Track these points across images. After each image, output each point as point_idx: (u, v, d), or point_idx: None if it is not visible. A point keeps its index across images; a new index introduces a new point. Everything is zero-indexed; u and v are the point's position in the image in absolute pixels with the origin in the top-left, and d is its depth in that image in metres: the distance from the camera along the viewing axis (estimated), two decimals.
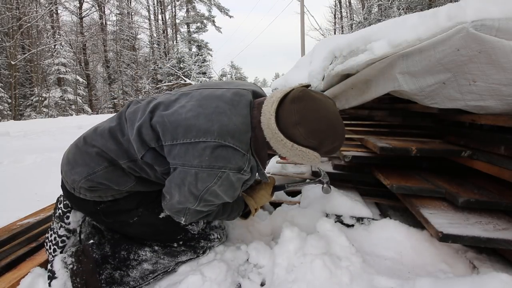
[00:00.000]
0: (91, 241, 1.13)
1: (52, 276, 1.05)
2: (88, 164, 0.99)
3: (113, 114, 1.13)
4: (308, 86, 1.00)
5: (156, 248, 1.11)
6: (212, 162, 0.86)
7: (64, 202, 1.19)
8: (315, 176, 1.88)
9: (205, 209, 0.99)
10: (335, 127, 0.90)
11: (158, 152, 0.94)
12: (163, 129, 0.90)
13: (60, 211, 1.18)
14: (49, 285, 1.03)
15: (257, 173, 1.03)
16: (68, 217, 1.17)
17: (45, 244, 1.17)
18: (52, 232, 1.17)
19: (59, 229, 1.16)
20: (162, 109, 0.95)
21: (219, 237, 1.23)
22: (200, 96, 0.96)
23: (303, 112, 0.87)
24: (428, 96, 1.27)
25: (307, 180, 1.55)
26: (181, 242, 1.14)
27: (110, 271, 1.06)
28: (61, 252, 1.13)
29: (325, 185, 1.41)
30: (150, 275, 1.09)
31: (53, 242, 1.14)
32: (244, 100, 0.96)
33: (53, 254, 1.13)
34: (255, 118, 0.95)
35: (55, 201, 1.23)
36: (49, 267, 1.08)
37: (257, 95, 1.06)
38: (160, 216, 1.11)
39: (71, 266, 1.05)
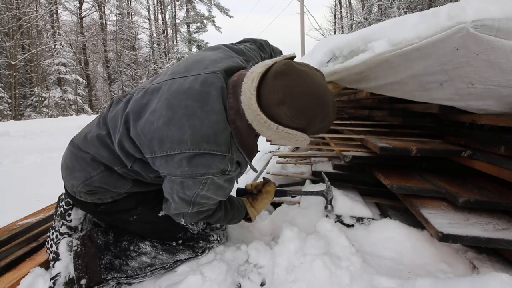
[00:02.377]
0: (97, 228, 1.16)
1: (56, 258, 1.09)
2: (85, 169, 1.00)
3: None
4: (293, 57, 0.89)
5: (156, 244, 1.13)
6: (194, 171, 0.84)
7: (66, 200, 1.21)
8: (315, 176, 1.88)
9: (203, 208, 1.00)
10: (324, 104, 0.80)
11: (145, 161, 0.94)
12: (140, 143, 0.88)
13: (61, 209, 1.20)
14: (53, 266, 1.08)
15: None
16: (69, 215, 1.19)
17: (46, 243, 1.18)
18: (53, 230, 1.18)
19: (61, 227, 1.18)
20: (134, 118, 0.89)
21: (218, 238, 1.23)
22: (168, 92, 0.88)
23: (287, 89, 0.76)
24: (429, 90, 1.25)
25: (310, 187, 1.55)
26: (180, 242, 1.15)
27: (110, 258, 1.09)
28: None
29: (328, 207, 1.39)
30: (148, 267, 1.11)
31: (55, 240, 1.15)
32: (214, 91, 0.85)
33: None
34: (232, 108, 0.85)
35: (57, 200, 1.24)
36: (54, 249, 1.11)
37: (231, 72, 0.92)
38: (160, 214, 1.13)
39: (75, 248, 1.09)
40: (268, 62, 0.83)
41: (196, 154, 0.82)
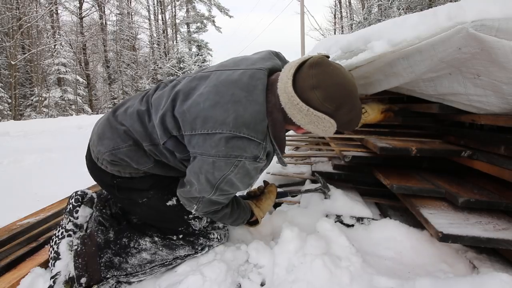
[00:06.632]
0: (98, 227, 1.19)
1: (56, 257, 1.10)
2: (115, 139, 1.05)
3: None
4: (327, 57, 0.99)
5: (156, 239, 1.15)
6: (229, 152, 0.89)
7: (76, 197, 1.23)
8: (314, 176, 1.88)
9: (220, 198, 1.02)
10: (352, 96, 0.89)
11: (179, 140, 0.99)
12: (183, 119, 0.94)
13: (70, 206, 1.22)
14: (53, 265, 1.09)
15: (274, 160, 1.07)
16: (77, 211, 1.21)
17: (51, 241, 1.18)
18: (60, 227, 1.20)
19: (67, 224, 1.19)
20: (182, 98, 0.98)
21: (218, 237, 1.23)
22: (217, 80, 0.97)
23: (321, 76, 0.86)
24: (432, 80, 1.24)
25: (309, 187, 1.59)
26: (180, 236, 1.17)
27: (110, 256, 1.10)
28: None
29: (327, 197, 1.48)
30: (148, 264, 1.12)
31: (60, 236, 1.16)
32: (260, 85, 0.94)
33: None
34: (270, 102, 0.94)
35: (68, 197, 1.27)
36: (55, 248, 1.12)
37: (274, 71, 1.03)
38: (168, 203, 1.15)
39: (75, 247, 1.11)
40: (305, 56, 0.94)
41: (235, 136, 0.88)
